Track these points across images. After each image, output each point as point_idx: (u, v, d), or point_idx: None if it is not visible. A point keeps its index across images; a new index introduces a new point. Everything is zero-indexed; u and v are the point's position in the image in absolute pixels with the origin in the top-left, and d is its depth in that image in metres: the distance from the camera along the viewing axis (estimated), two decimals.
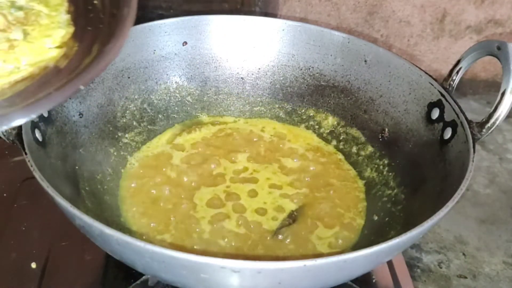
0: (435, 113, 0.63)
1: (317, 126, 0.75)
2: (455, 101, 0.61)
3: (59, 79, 0.45)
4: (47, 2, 0.53)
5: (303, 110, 0.76)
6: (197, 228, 0.59)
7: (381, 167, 0.68)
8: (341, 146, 0.73)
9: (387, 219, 0.62)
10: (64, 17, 0.53)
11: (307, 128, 0.76)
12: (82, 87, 0.43)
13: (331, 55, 0.73)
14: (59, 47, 0.49)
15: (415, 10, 1.00)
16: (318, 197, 0.65)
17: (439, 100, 0.62)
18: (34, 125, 0.54)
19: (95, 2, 0.54)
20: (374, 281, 0.61)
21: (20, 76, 0.46)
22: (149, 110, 0.73)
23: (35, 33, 0.49)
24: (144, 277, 0.58)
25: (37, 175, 0.47)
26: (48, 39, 0.49)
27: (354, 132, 0.73)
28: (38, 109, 0.41)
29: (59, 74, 0.46)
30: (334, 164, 0.71)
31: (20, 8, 0.50)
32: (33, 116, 0.41)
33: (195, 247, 0.57)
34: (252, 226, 0.60)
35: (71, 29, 0.51)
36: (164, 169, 0.67)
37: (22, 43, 0.48)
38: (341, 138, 0.73)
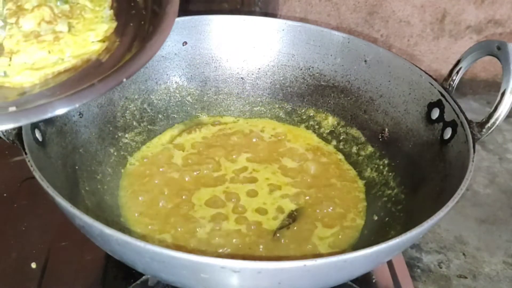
0: (435, 113, 0.63)
1: (317, 126, 0.75)
2: (455, 101, 0.61)
3: (100, 71, 0.46)
4: None
5: (303, 110, 0.76)
6: (197, 228, 0.59)
7: (381, 167, 0.68)
8: (341, 146, 0.73)
9: (387, 219, 0.62)
10: (108, 12, 0.54)
11: (307, 128, 0.76)
12: (125, 80, 0.44)
13: (331, 55, 0.73)
14: (101, 41, 0.51)
15: (415, 10, 1.00)
16: (318, 197, 0.65)
17: (439, 100, 0.62)
18: (34, 125, 0.54)
19: None
20: (374, 281, 0.61)
21: (63, 67, 0.47)
22: (149, 110, 0.73)
23: (79, 26, 0.51)
24: (144, 277, 0.58)
25: (37, 175, 0.47)
26: (91, 32, 0.51)
27: (354, 132, 0.73)
28: (81, 98, 0.42)
29: (100, 67, 0.47)
30: (334, 164, 0.71)
31: (65, 1, 0.52)
32: (77, 105, 0.42)
33: (195, 247, 0.57)
34: (252, 226, 0.60)
35: (114, 24, 0.52)
36: (164, 169, 0.67)
37: (66, 36, 0.49)
38: (341, 138, 0.73)
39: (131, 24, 0.53)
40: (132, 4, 0.55)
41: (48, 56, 0.48)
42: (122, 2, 0.56)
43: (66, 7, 0.52)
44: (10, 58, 0.47)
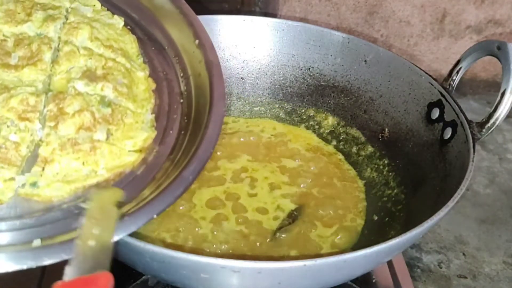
0: (435, 113, 0.63)
1: (317, 126, 0.75)
2: (455, 101, 0.61)
3: (133, 187, 0.46)
4: (135, 97, 0.52)
5: (303, 110, 0.76)
6: (197, 228, 0.59)
7: (381, 167, 0.68)
8: (341, 146, 0.73)
9: (387, 219, 0.62)
10: (149, 117, 0.52)
11: (307, 128, 0.76)
12: (155, 216, 0.43)
13: (331, 55, 0.73)
14: (138, 151, 0.49)
15: (415, 10, 1.00)
16: (318, 197, 0.65)
17: (439, 100, 0.62)
18: None
19: (181, 100, 0.54)
20: (374, 281, 0.61)
21: (96, 181, 0.46)
22: None
23: (118, 133, 0.49)
24: (144, 277, 0.58)
25: None
26: (129, 141, 0.49)
27: (354, 132, 0.73)
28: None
29: (134, 180, 0.47)
30: (334, 164, 0.71)
31: (108, 104, 0.49)
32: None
33: (195, 247, 0.57)
34: (252, 226, 0.60)
35: (153, 134, 0.51)
36: None
37: (103, 145, 0.47)
38: (341, 138, 0.73)
39: (171, 132, 0.51)
40: (175, 106, 0.53)
41: (81, 168, 0.46)
42: (164, 101, 0.54)
43: (108, 110, 0.49)
44: (43, 168, 0.45)
